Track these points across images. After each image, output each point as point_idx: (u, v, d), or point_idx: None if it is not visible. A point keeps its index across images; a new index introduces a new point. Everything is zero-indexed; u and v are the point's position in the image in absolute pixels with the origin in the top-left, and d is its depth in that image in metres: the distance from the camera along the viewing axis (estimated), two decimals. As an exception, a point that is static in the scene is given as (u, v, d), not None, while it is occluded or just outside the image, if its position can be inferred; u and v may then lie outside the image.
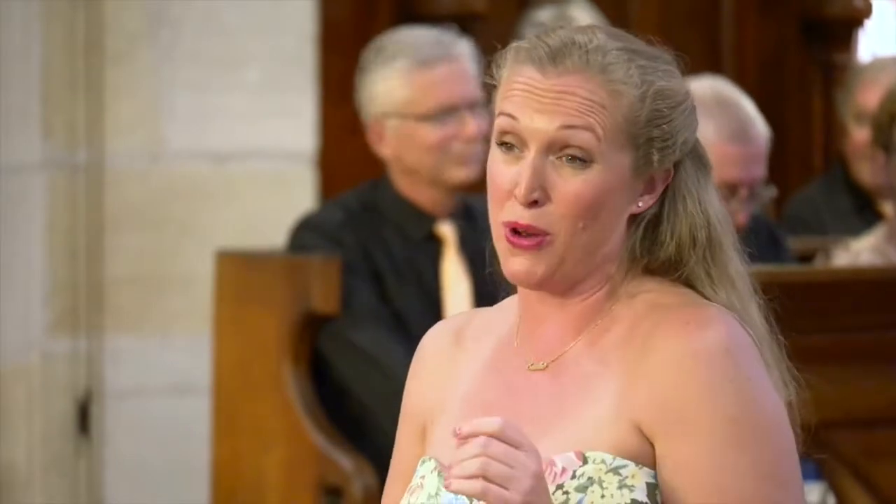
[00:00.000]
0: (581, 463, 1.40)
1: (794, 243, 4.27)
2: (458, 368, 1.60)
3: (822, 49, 7.74)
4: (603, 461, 1.40)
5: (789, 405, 1.50)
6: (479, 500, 1.35)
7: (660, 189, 1.53)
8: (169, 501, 4.33)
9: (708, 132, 2.74)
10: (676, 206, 1.53)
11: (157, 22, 4.73)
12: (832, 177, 5.69)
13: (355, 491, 3.39)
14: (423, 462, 1.54)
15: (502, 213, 1.50)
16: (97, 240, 4.55)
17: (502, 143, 1.52)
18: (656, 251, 1.53)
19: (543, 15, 4.41)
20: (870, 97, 5.04)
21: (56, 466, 4.16)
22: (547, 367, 1.54)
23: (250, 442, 3.66)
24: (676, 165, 1.53)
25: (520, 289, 1.58)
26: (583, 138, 1.46)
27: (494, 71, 1.57)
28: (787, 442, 1.46)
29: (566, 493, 1.38)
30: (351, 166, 4.72)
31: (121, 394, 4.39)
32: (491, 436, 1.32)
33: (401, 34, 3.76)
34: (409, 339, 3.18)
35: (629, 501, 1.38)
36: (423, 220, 3.53)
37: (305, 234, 3.60)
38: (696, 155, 1.57)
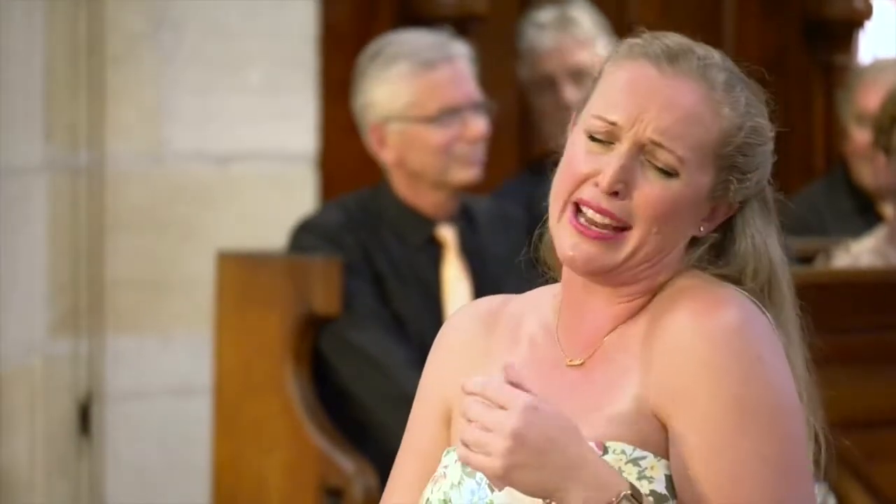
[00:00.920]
0: (601, 453, 1.40)
1: (795, 244, 4.26)
2: (490, 356, 1.60)
3: (824, 50, 7.75)
4: (623, 451, 1.40)
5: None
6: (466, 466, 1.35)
7: (719, 219, 1.54)
8: (170, 503, 4.33)
9: None
10: (743, 241, 1.54)
11: (159, 24, 4.73)
12: (833, 178, 5.68)
13: (356, 492, 3.38)
14: (448, 453, 1.53)
15: (577, 192, 1.50)
16: (98, 241, 4.55)
17: (592, 137, 1.51)
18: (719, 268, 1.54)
19: (544, 16, 4.40)
20: (870, 99, 5.04)
21: (57, 467, 4.16)
22: (583, 363, 1.54)
23: (251, 443, 3.66)
24: (743, 203, 1.54)
25: (565, 280, 1.58)
26: (671, 154, 1.47)
27: (599, 65, 1.57)
28: (795, 428, 1.43)
29: None
30: (352, 168, 4.72)
31: (122, 395, 4.39)
32: (472, 394, 1.33)
33: (398, 37, 3.76)
34: (410, 341, 3.18)
35: (648, 492, 1.37)
36: (424, 224, 3.53)
37: (306, 235, 3.59)
38: (764, 198, 1.58)
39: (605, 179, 1.46)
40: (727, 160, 1.50)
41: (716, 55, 1.53)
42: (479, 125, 3.41)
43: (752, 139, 1.51)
